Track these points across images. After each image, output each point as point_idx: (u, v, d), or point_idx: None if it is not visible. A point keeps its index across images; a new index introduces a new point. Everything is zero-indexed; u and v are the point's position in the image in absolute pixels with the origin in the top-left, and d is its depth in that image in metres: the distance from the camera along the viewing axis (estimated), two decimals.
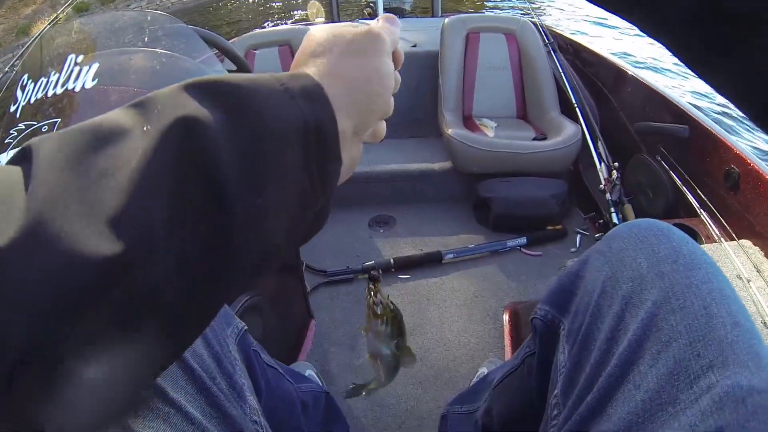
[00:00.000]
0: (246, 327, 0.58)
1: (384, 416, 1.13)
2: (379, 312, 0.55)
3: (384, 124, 0.37)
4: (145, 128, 0.23)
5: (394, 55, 0.36)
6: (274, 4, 14.37)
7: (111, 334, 0.21)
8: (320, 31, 0.34)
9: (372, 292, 0.55)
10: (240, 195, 0.24)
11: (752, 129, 3.87)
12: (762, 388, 0.34)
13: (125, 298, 0.21)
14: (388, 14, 0.37)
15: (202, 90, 0.25)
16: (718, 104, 4.17)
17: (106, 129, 0.23)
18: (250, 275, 0.27)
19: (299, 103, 0.27)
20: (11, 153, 0.78)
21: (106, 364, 0.21)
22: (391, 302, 0.56)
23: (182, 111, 0.23)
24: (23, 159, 0.23)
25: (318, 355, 1.31)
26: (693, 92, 4.45)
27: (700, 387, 0.35)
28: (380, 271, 0.57)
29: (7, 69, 1.22)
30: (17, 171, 0.22)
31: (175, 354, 0.27)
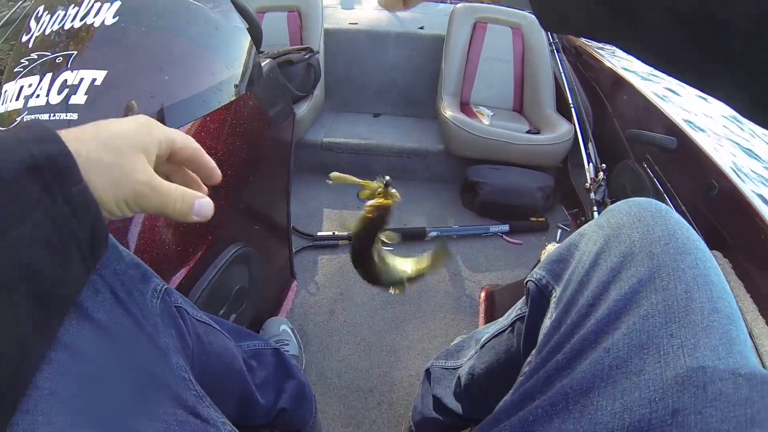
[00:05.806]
0: (167, 285, 0.55)
1: (357, 379, 1.18)
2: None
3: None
4: None
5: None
6: None
7: None
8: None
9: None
10: None
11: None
12: (726, 375, 0.34)
13: None
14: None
15: None
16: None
17: None
18: (34, 314, 0.30)
19: (28, 146, 0.29)
20: (20, 81, 0.78)
21: None
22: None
23: None
24: None
25: (296, 315, 1.35)
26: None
27: (668, 364, 0.36)
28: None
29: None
30: None
31: None
